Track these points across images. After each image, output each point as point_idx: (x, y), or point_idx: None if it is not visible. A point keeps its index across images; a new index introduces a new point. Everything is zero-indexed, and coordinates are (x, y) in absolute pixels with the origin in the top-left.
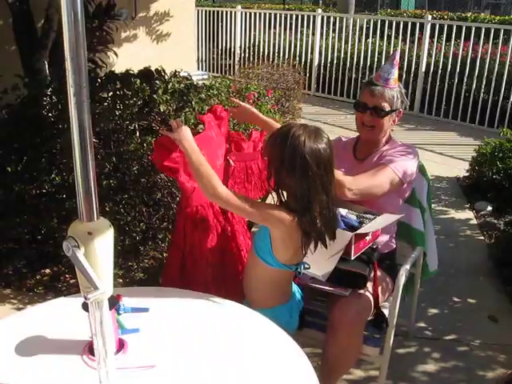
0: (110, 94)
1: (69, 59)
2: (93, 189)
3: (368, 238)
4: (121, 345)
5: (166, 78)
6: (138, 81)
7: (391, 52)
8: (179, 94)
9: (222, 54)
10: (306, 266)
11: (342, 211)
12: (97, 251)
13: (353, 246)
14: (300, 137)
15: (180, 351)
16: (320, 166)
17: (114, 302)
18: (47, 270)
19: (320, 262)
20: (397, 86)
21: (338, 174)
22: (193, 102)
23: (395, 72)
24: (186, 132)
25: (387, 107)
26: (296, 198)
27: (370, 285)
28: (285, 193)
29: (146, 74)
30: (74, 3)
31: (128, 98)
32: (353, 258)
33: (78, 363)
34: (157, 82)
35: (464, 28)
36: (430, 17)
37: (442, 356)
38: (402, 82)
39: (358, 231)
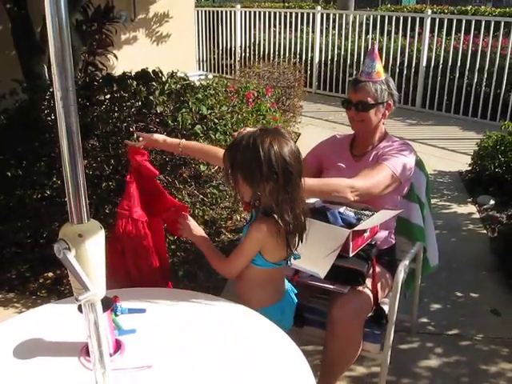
0: (108, 96)
1: (54, 64)
2: (82, 191)
3: (366, 234)
4: (118, 346)
5: (163, 79)
6: (135, 83)
7: (391, 47)
8: (176, 95)
9: (222, 54)
10: (296, 257)
11: (340, 208)
12: (88, 253)
13: (351, 243)
14: (272, 143)
15: (177, 351)
16: (297, 161)
17: (109, 304)
18: (50, 274)
19: (318, 260)
20: (381, 78)
21: (337, 179)
22: (190, 103)
23: (376, 65)
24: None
25: (371, 101)
26: (277, 201)
27: (369, 281)
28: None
29: (143, 76)
30: (58, 8)
31: (125, 100)
32: (351, 255)
33: (75, 365)
34: (153, 83)
35: (464, 21)
36: (429, 11)
37: (445, 351)
38: (402, 77)
39: (355, 228)
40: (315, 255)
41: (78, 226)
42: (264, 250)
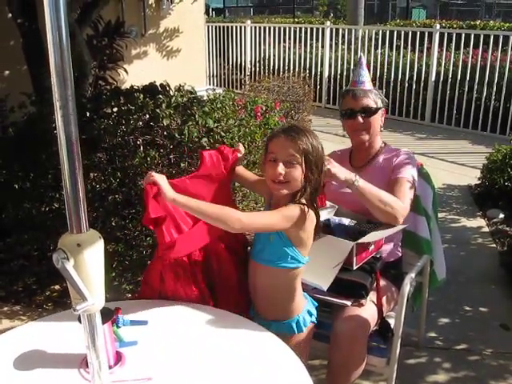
0: (115, 109)
1: (54, 73)
2: (81, 200)
3: (371, 247)
4: (118, 357)
5: (171, 92)
6: (142, 96)
7: (401, 62)
8: (183, 108)
9: (232, 69)
10: None
11: (345, 220)
12: (86, 263)
13: (355, 257)
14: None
15: (177, 364)
16: None
17: (109, 315)
18: (56, 286)
19: (321, 272)
20: (372, 87)
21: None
22: (196, 116)
23: (367, 74)
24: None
25: (373, 104)
26: (311, 188)
27: (373, 294)
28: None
29: (150, 89)
30: (58, 16)
31: (132, 114)
32: (355, 268)
33: (75, 376)
34: (160, 96)
35: (472, 36)
36: (438, 26)
37: (453, 366)
38: (412, 91)
39: (359, 241)
40: (318, 267)
41: (76, 236)
42: (298, 240)
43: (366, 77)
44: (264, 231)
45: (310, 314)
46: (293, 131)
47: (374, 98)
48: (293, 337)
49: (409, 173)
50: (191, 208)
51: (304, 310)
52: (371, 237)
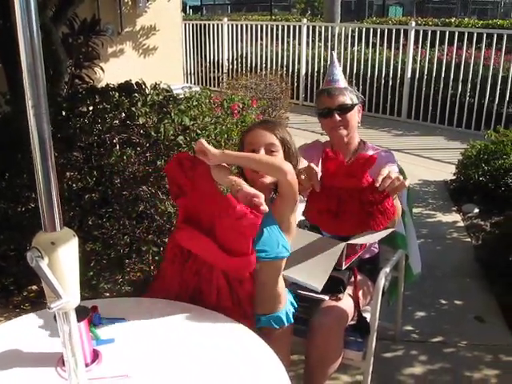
0: (91, 108)
1: (26, 72)
2: (55, 198)
3: (358, 248)
4: (95, 355)
5: (146, 90)
6: (117, 94)
7: (377, 59)
8: (158, 106)
9: (210, 67)
10: None
11: None
12: (60, 261)
13: (344, 258)
14: None
15: (154, 361)
16: None
17: (85, 313)
18: (34, 287)
19: (314, 273)
20: (347, 84)
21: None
22: (172, 114)
23: (340, 72)
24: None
25: (349, 101)
26: None
27: (350, 288)
28: None
29: (126, 88)
30: (29, 15)
31: (107, 112)
32: (344, 268)
33: (52, 374)
34: (136, 94)
35: (447, 33)
36: (413, 23)
37: (429, 358)
38: (388, 88)
39: (349, 241)
40: (311, 268)
41: (51, 234)
42: (287, 222)
43: (339, 75)
44: (292, 192)
45: (292, 305)
46: (269, 122)
47: (349, 95)
48: (281, 329)
49: (394, 170)
50: (245, 157)
51: (288, 301)
52: (363, 239)
